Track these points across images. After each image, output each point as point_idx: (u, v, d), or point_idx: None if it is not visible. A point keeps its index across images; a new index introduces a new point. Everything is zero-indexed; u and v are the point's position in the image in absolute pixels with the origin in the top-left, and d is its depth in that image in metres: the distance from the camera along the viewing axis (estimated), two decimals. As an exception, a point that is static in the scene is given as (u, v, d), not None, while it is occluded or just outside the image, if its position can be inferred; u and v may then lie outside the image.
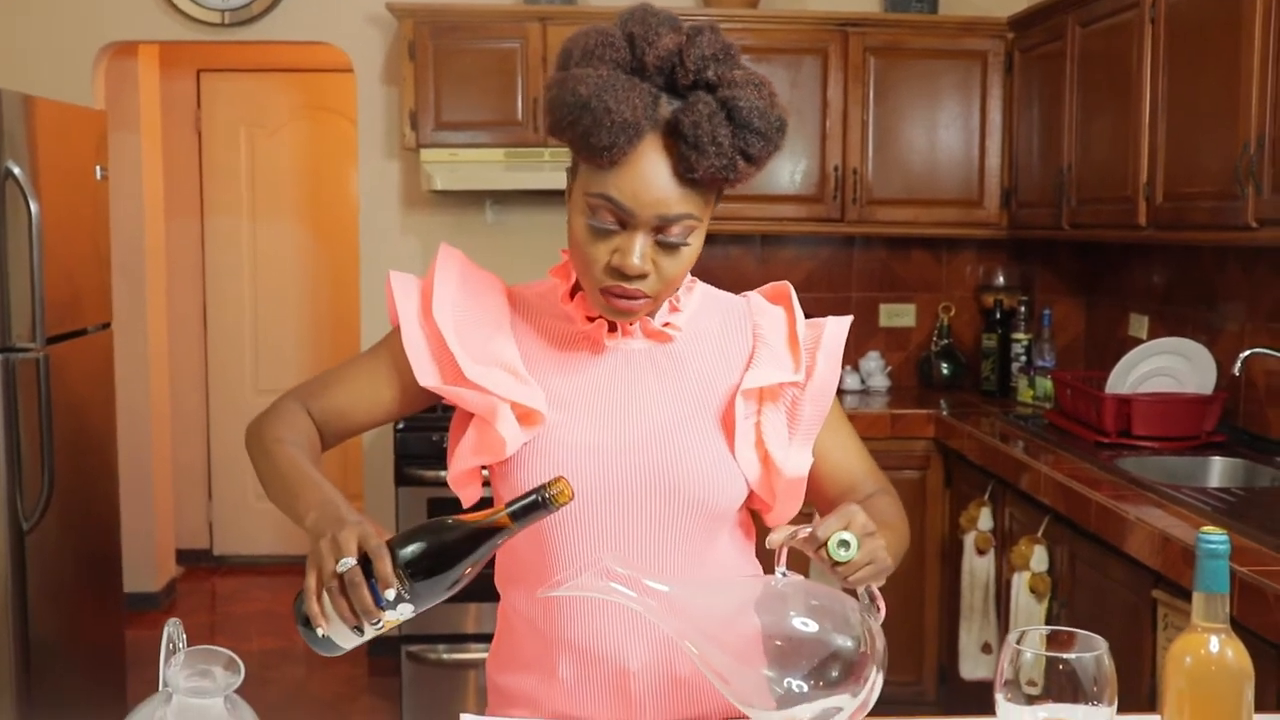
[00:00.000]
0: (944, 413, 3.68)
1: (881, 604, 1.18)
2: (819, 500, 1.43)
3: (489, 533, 1.13)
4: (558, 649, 1.36)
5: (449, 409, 1.42)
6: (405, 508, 3.62)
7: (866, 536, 1.17)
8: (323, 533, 1.13)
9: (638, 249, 1.24)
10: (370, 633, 1.12)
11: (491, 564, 1.47)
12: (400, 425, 3.65)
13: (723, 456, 1.34)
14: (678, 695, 1.37)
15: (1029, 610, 2.88)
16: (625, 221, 1.24)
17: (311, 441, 1.35)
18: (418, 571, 1.11)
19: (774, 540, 1.17)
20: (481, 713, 1.42)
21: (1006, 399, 3.96)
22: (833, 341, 1.40)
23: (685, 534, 1.33)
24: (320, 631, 1.12)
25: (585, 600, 1.33)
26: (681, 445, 1.33)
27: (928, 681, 3.74)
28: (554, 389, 1.35)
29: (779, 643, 1.11)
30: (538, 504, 1.13)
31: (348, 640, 1.14)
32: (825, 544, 1.14)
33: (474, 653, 3.68)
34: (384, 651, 4.22)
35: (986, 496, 3.26)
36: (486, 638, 3.42)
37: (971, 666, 3.32)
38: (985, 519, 3.27)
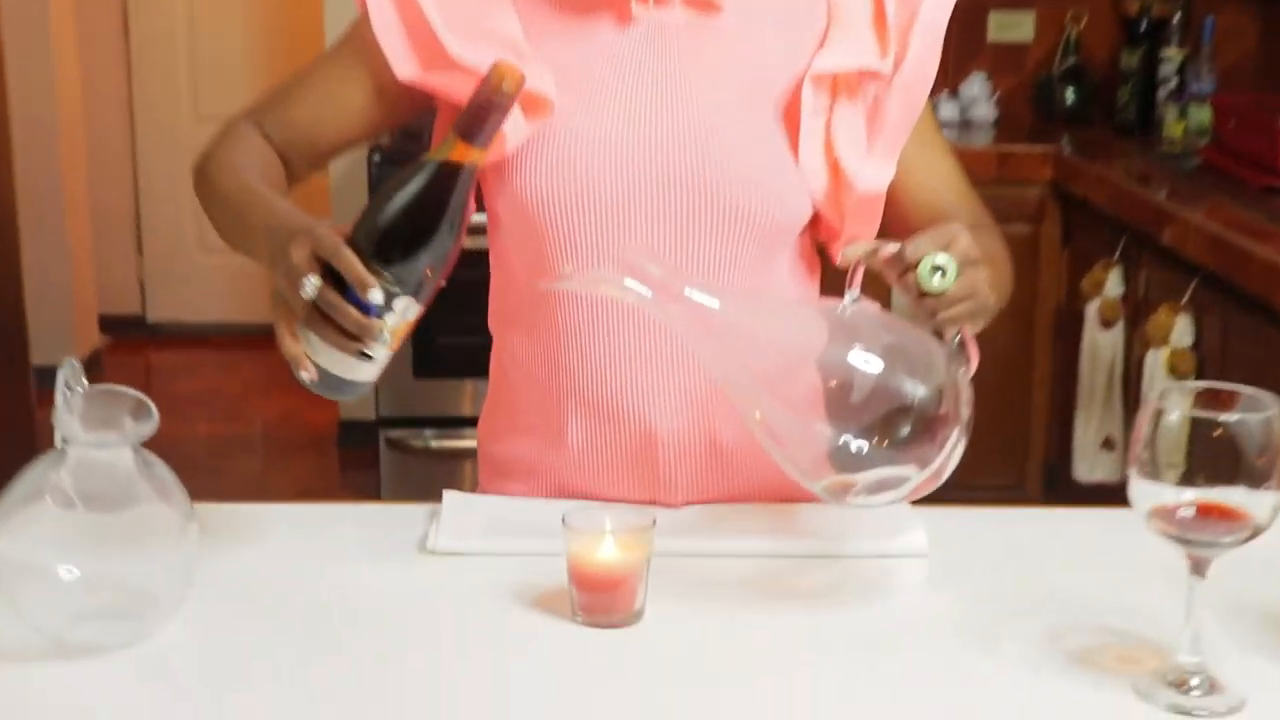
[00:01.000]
0: (1066, 151, 3.67)
1: (974, 353, 1.18)
2: (899, 232, 1.42)
3: (449, 172, 1.14)
4: (566, 406, 1.38)
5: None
6: None
7: (967, 265, 1.16)
8: (275, 260, 1.16)
9: None
10: (381, 352, 1.15)
11: (483, 302, 1.48)
12: (375, 157, 3.64)
13: (781, 160, 1.35)
14: (717, 469, 1.40)
15: None
16: None
17: (270, 168, 1.37)
18: (392, 254, 1.13)
19: (849, 255, 1.17)
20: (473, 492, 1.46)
21: (1149, 134, 3.92)
22: (932, 23, 1.38)
23: (730, 258, 1.34)
24: (305, 376, 1.15)
25: (602, 345, 1.35)
26: (729, 143, 1.34)
27: (1031, 484, 3.80)
28: (566, 68, 1.34)
29: (836, 385, 1.12)
30: (484, 106, 1.13)
31: (361, 370, 1.17)
32: (914, 267, 1.14)
33: (468, 439, 3.67)
34: (358, 439, 4.29)
35: (1117, 256, 3.27)
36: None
37: (1088, 466, 3.36)
38: (1114, 283, 3.29)
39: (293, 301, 1.13)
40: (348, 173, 4.16)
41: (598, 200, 1.32)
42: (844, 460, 1.12)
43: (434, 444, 3.76)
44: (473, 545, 1.31)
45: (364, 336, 1.13)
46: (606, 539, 1.17)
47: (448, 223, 1.15)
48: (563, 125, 1.33)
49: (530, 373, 1.41)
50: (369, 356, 1.15)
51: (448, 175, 1.15)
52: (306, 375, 1.16)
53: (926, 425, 1.12)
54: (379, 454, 3.79)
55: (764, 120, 1.36)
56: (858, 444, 1.11)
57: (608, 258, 1.32)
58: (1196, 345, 2.88)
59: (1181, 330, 2.89)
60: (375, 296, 1.11)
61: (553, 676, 1.11)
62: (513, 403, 1.45)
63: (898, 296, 1.19)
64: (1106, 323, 3.30)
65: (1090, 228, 3.49)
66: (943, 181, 1.43)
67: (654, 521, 1.18)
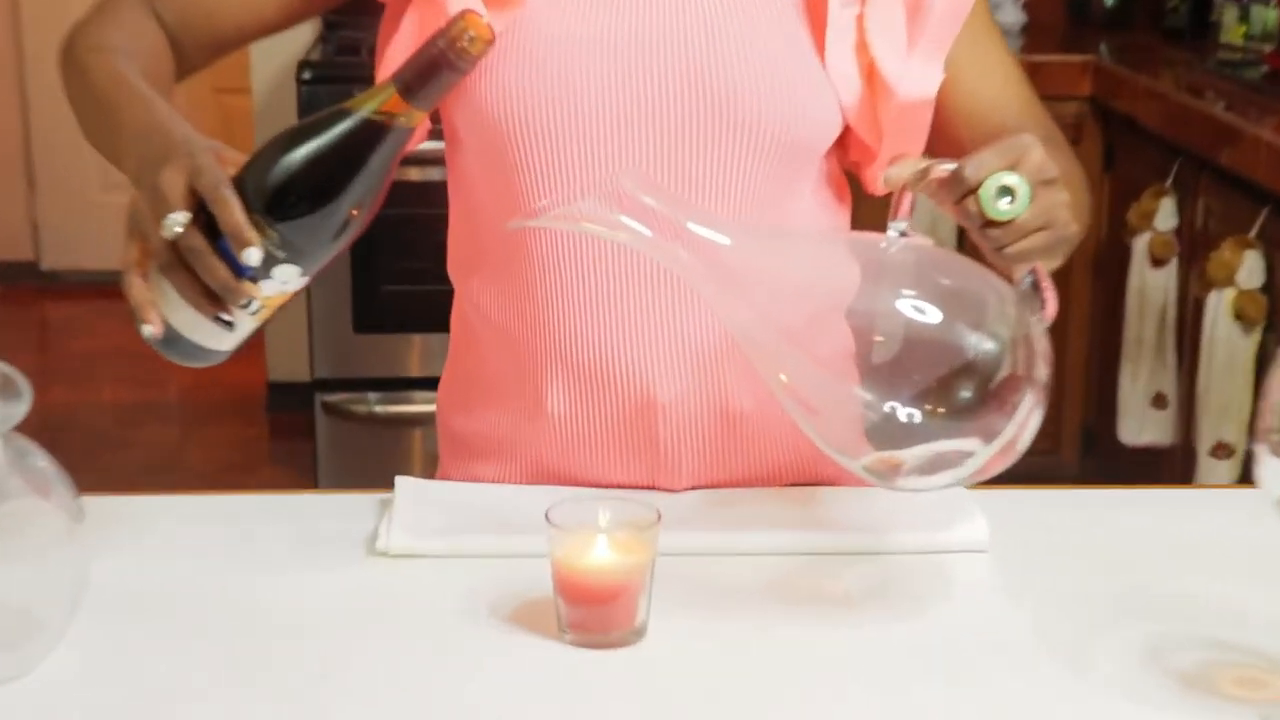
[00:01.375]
0: (1106, 61, 3.67)
1: (1051, 297, 1.13)
2: (948, 152, 1.37)
3: (376, 128, 1.11)
4: (545, 369, 1.36)
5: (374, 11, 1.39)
6: None
7: (1042, 185, 1.12)
8: (139, 178, 1.14)
9: None
10: (246, 322, 1.13)
11: (439, 242, 1.46)
12: (306, 74, 3.60)
13: (803, 63, 1.33)
14: (729, 444, 1.38)
15: (1230, 345, 2.87)
16: None
17: (155, 55, 1.35)
18: (286, 211, 1.10)
19: (893, 177, 1.13)
20: (431, 474, 1.47)
21: (1203, 39, 3.91)
22: None
23: (741, 185, 1.33)
24: (149, 330, 1.13)
25: (589, 293, 1.33)
26: (739, 42, 1.32)
27: (1067, 449, 3.80)
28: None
29: (880, 341, 1.10)
30: (436, 61, 1.10)
31: (216, 337, 1.15)
32: (976, 190, 1.10)
33: (418, 404, 3.72)
34: (290, 404, 4.26)
35: (1170, 182, 3.22)
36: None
37: (1135, 427, 3.33)
38: (1167, 214, 3.25)
39: (151, 235, 1.11)
40: (274, 92, 4.12)
41: (579, 113, 1.29)
42: (891, 433, 1.09)
43: (378, 409, 3.75)
44: (434, 545, 1.27)
45: (228, 300, 1.10)
46: (600, 539, 1.13)
47: (362, 187, 1.12)
48: (537, 19, 1.31)
49: (501, 329, 1.38)
50: (229, 324, 1.13)
51: (374, 131, 1.12)
52: (150, 329, 1.13)
53: (994, 388, 1.09)
54: (314, 421, 3.77)
55: (782, 14, 1.34)
56: (908, 412, 1.08)
57: (592, 185, 1.30)
58: (1268, 287, 2.85)
59: (1250, 269, 2.84)
60: (252, 257, 1.08)
61: (534, 710, 1.08)
62: (479, 366, 1.43)
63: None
64: (1157, 260, 3.28)
65: (1136, 150, 3.48)
66: (1000, 87, 1.40)
67: (659, 516, 1.14)
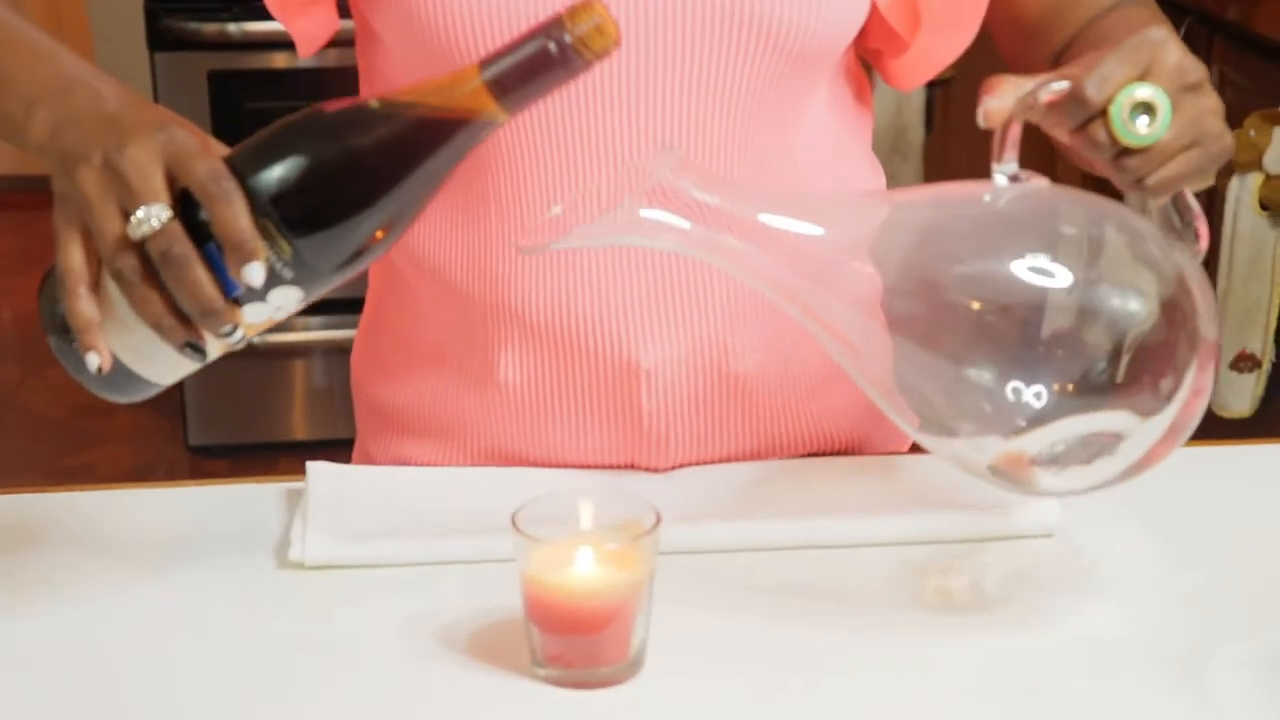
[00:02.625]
0: None
1: (1203, 226, 1.12)
2: (1005, 32, 1.42)
3: (447, 126, 1.05)
4: (496, 327, 1.34)
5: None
6: (171, 93, 3.59)
7: (1185, 91, 1.08)
8: (79, 150, 1.04)
9: None
10: (214, 354, 1.06)
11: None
12: None
13: None
14: (728, 414, 1.36)
15: (1256, 241, 2.89)
16: None
17: None
18: (306, 219, 1.03)
19: (995, 109, 1.09)
20: (341, 455, 1.45)
21: None
22: None
23: (746, 92, 1.29)
24: (94, 362, 1.03)
25: (553, 223, 1.25)
26: None
27: None
28: None
29: (997, 310, 1.07)
30: (549, 57, 1.03)
31: (167, 369, 1.09)
32: (1104, 111, 1.06)
33: (301, 331, 3.74)
34: None
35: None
36: (343, 305, 3.31)
37: (1235, 394, 3.24)
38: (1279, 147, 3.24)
39: (105, 232, 1.01)
40: (122, 73, 4.11)
41: (531, 11, 1.22)
42: (1013, 414, 1.07)
43: (255, 339, 3.70)
44: (363, 552, 1.21)
45: (207, 325, 1.02)
46: (584, 551, 1.06)
47: (411, 198, 1.05)
48: None
49: (438, 276, 1.35)
50: (198, 354, 1.05)
51: (444, 130, 1.05)
52: (96, 360, 1.03)
53: (1144, 355, 1.07)
54: (177, 355, 3.76)
55: None
56: (1035, 390, 1.06)
57: (567, 106, 1.26)
58: None
59: (1280, 149, 2.88)
60: (255, 275, 1.00)
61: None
62: (408, 322, 1.40)
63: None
64: (1266, 206, 3.16)
65: (1242, 60, 3.36)
66: None
67: (658, 519, 1.07)
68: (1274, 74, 2.92)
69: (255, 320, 1.05)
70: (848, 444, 1.38)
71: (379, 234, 1.07)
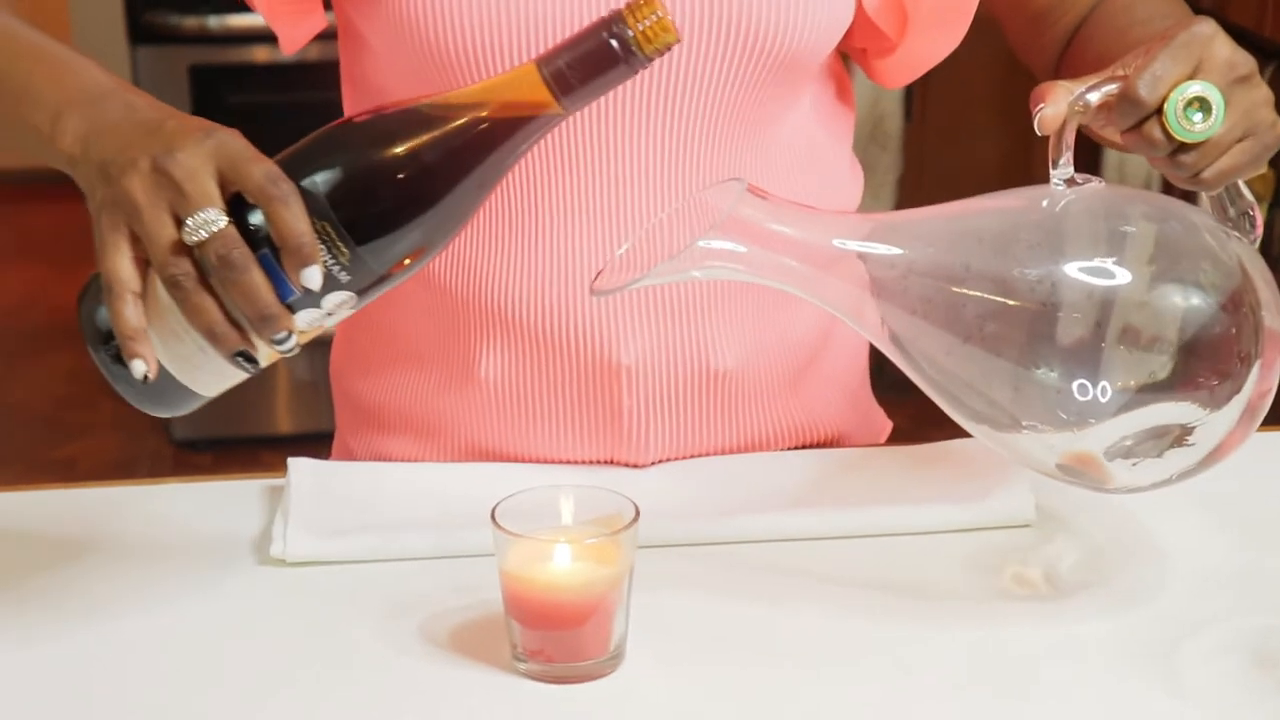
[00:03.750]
0: None
1: (1258, 217, 1.13)
2: (1011, 16, 1.42)
3: (505, 125, 1.04)
4: (477, 325, 1.34)
5: None
6: (151, 88, 3.46)
7: (1236, 83, 1.09)
8: (124, 157, 1.02)
9: None
10: (264, 358, 1.04)
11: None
12: None
13: None
14: (708, 411, 1.36)
15: None
16: None
17: None
18: (367, 221, 1.02)
19: (1050, 117, 1.09)
20: (326, 448, 1.47)
21: None
22: None
23: (730, 95, 1.29)
24: (141, 369, 1.00)
25: (530, 233, 1.30)
26: None
27: None
28: None
29: (1058, 316, 1.07)
30: (611, 53, 1.02)
31: (214, 380, 1.07)
32: (1158, 110, 1.07)
33: None
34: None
35: (1267, 78, 3.22)
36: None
37: None
38: None
39: (156, 237, 0.98)
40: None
41: (537, 28, 1.23)
42: (1079, 411, 1.07)
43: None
44: (344, 548, 1.21)
45: (263, 331, 1.00)
46: (563, 546, 1.07)
47: (470, 198, 1.04)
48: None
49: (420, 273, 1.26)
50: (251, 362, 1.03)
51: (502, 129, 1.04)
52: (143, 367, 1.00)
53: (1204, 348, 1.07)
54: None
55: None
56: (1100, 386, 1.06)
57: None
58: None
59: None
60: (314, 278, 0.99)
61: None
62: (391, 320, 1.39)
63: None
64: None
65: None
66: None
67: (636, 514, 1.07)
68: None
69: (307, 326, 1.04)
70: (828, 438, 1.38)
71: (435, 236, 1.06)
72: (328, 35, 1.31)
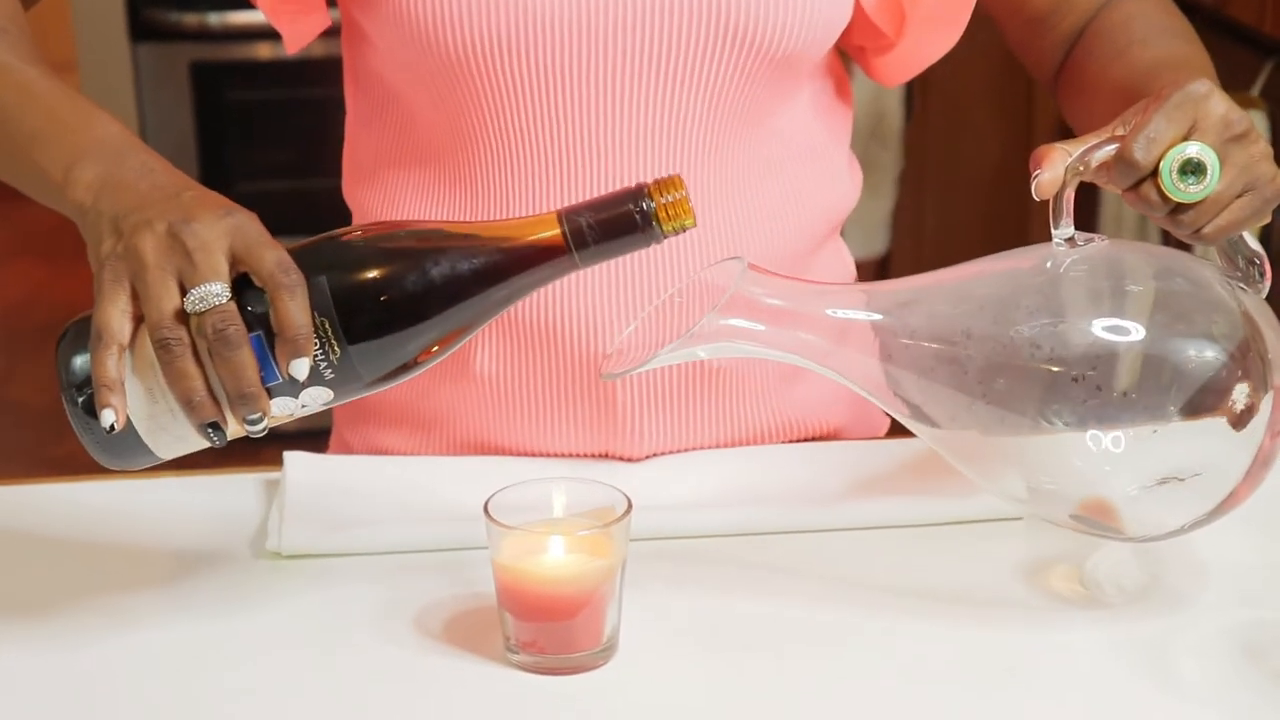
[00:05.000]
0: None
1: (1267, 266, 1.13)
2: (1011, 20, 1.41)
3: (516, 261, 1.06)
4: None
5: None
6: (152, 84, 3.55)
7: (1232, 141, 1.09)
8: (141, 216, 1.03)
9: None
10: (232, 433, 1.05)
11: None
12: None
13: None
14: (701, 406, 1.35)
15: None
16: None
17: (17, 15, 1.24)
18: (366, 326, 1.04)
19: (1047, 182, 1.10)
20: (323, 442, 1.47)
21: None
22: None
23: (728, 94, 1.29)
24: (110, 419, 1.01)
25: (513, 210, 1.29)
26: None
27: None
28: None
29: (1066, 374, 1.08)
30: (631, 220, 1.05)
31: (175, 443, 1.06)
32: (1157, 171, 1.08)
33: None
34: None
35: (1258, 90, 3.12)
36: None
37: None
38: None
39: (156, 298, 0.99)
40: (103, 64, 4.01)
41: (540, 27, 1.24)
42: (1092, 468, 1.08)
43: None
44: (339, 541, 1.21)
45: (239, 409, 1.01)
46: (555, 539, 1.07)
47: (467, 328, 1.06)
48: None
49: None
50: (218, 433, 1.03)
51: (520, 268, 1.06)
52: (110, 417, 1.00)
53: (1221, 397, 1.07)
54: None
55: None
56: (1112, 438, 1.07)
57: (558, 108, 1.26)
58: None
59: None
60: (301, 370, 1.00)
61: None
62: None
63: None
64: None
65: (1218, 46, 3.41)
66: None
67: (629, 505, 1.07)
68: (1247, 58, 2.89)
69: (279, 413, 1.05)
70: (823, 432, 1.38)
71: (422, 357, 1.07)
72: (330, 32, 1.31)
